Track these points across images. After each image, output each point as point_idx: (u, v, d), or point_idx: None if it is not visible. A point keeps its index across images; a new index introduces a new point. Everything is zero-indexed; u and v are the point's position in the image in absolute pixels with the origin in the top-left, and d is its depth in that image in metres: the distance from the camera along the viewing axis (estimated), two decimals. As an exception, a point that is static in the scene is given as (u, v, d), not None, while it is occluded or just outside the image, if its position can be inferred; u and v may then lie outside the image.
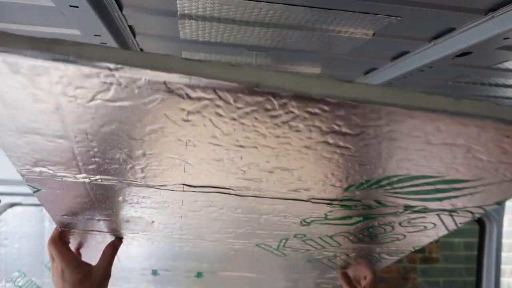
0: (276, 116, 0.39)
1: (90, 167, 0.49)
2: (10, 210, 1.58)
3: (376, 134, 0.42)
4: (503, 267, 1.83)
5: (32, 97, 0.37)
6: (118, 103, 0.38)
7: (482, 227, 1.82)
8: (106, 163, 0.48)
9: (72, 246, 0.78)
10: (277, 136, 0.43)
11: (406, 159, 0.48)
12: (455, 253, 2.69)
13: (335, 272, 0.96)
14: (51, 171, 0.50)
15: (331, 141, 0.43)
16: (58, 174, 0.51)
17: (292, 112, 0.39)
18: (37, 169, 0.50)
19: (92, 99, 0.38)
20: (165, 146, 0.45)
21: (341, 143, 0.44)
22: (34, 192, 0.56)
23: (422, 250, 3.23)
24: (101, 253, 0.74)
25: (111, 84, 0.35)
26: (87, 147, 0.45)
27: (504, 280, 2.59)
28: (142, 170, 0.50)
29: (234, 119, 0.40)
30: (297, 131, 0.42)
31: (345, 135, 0.42)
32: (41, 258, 1.58)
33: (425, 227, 0.69)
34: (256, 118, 0.40)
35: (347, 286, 0.93)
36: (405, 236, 0.73)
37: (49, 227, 1.62)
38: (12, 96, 0.37)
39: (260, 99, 0.37)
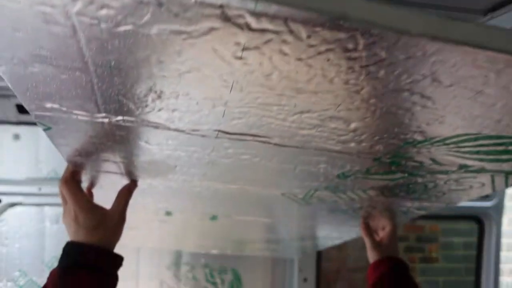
0: (355, 59, 0.31)
1: (112, 106, 0.41)
2: (10, 210, 1.57)
3: (474, 87, 0.34)
4: (502, 266, 1.83)
5: (42, 16, 0.28)
6: (155, 31, 0.29)
7: (481, 227, 1.79)
8: (131, 103, 0.40)
9: (84, 185, 0.72)
10: (347, 83, 0.35)
11: (488, 117, 0.40)
12: (455, 252, 2.69)
13: (355, 221, 0.93)
14: (64, 109, 0.43)
15: (414, 90, 0.35)
16: (73, 112, 0.43)
17: (377, 54, 0.30)
18: (48, 105, 0.42)
19: (121, 23, 0.29)
20: (205, 87, 0.37)
21: (426, 94, 0.36)
22: (44, 130, 0.49)
23: (421, 250, 3.29)
24: (114, 194, 0.69)
25: (148, 4, 0.26)
26: (110, 83, 0.37)
27: (503, 279, 2.61)
28: (173, 112, 0.42)
29: (300, 59, 0.32)
30: (376, 78, 0.33)
31: (434, 85, 0.34)
32: (42, 257, 1.59)
33: (471, 186, 0.63)
34: (328, 60, 0.31)
35: (366, 236, 0.90)
36: (444, 193, 0.67)
37: (50, 227, 1.61)
38: (17, 14, 0.28)
39: (342, 35, 0.28)
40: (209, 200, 0.80)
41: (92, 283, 0.60)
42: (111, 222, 0.66)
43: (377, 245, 0.89)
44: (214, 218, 0.95)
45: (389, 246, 0.89)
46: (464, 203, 1.74)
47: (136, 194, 0.71)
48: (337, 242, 1.32)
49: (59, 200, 0.66)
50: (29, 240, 1.57)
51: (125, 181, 0.69)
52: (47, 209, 1.56)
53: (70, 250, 0.63)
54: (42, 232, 1.58)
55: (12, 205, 1.56)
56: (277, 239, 1.26)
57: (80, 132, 0.49)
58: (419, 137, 0.45)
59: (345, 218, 0.91)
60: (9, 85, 0.38)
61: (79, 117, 0.44)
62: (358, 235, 1.02)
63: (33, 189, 1.52)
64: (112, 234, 0.66)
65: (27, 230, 1.57)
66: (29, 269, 1.58)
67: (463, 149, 0.48)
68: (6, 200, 1.54)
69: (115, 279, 0.65)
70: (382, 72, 0.33)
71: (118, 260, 0.66)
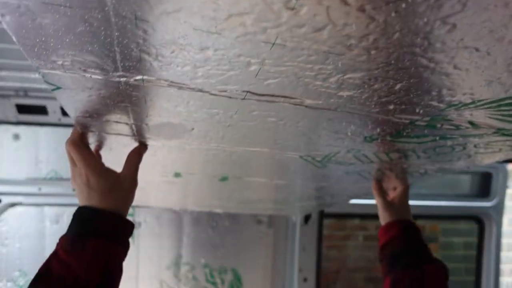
0: (429, 10, 0.26)
1: (131, 63, 0.37)
2: (10, 210, 1.56)
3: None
4: (502, 266, 1.84)
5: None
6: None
7: (481, 227, 1.78)
8: (154, 60, 0.36)
9: (91, 146, 0.68)
10: (409, 38, 0.30)
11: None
12: (455, 252, 2.68)
13: (367, 182, 0.91)
14: (77, 66, 0.38)
15: (481, 48, 0.31)
16: (87, 70, 0.38)
17: (457, 4, 0.26)
18: (58, 62, 0.37)
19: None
20: (243, 42, 0.32)
21: (492, 52, 0.32)
22: (52, 90, 0.44)
23: None
24: (123, 157, 0.66)
25: None
26: (132, 37, 0.32)
27: (503, 279, 2.62)
28: (200, 71, 0.38)
29: (363, 10, 0.27)
30: (446, 33, 0.29)
31: (505, 41, 0.30)
32: (42, 257, 1.53)
33: (500, 149, 0.60)
34: (396, 12, 0.27)
35: (378, 196, 0.89)
36: (470, 156, 0.65)
37: (50, 227, 1.59)
38: None
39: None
40: (222, 162, 0.77)
41: (105, 250, 0.58)
42: (124, 186, 0.62)
43: (388, 206, 0.88)
44: (224, 179, 0.93)
45: (401, 208, 0.88)
46: (464, 203, 1.75)
47: (145, 156, 0.67)
48: (343, 200, 1.32)
49: (59, 200, 0.62)
50: (29, 240, 1.58)
51: (135, 143, 0.65)
52: (47, 209, 1.57)
53: (82, 216, 0.59)
54: (42, 232, 1.59)
55: (12, 205, 1.55)
56: (285, 199, 1.25)
57: (92, 92, 0.44)
58: (467, 100, 0.41)
59: (358, 179, 0.89)
60: (14, 39, 0.33)
61: (93, 76, 0.40)
62: (367, 194, 1.01)
63: (33, 189, 1.53)
64: (125, 198, 0.63)
65: (27, 230, 1.58)
66: (29, 269, 1.59)
67: (507, 112, 0.45)
68: (6, 200, 1.54)
69: (127, 247, 0.63)
70: (455, 27, 0.28)
71: (130, 227, 0.63)
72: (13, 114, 1.41)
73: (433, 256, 0.80)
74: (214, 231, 1.70)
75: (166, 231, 1.64)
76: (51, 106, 1.38)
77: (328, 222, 3.17)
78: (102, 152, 0.70)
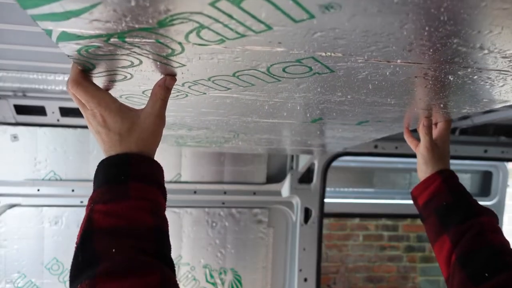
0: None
1: None
2: (9, 211, 1.55)
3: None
4: None
5: None
6: None
7: None
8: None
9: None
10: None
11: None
12: None
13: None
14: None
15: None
16: None
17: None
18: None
19: None
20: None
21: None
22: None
23: (422, 249, 3.25)
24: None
25: None
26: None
27: None
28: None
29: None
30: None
31: None
32: (41, 259, 1.59)
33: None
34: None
35: (410, 138, 0.87)
36: None
37: (48, 228, 1.60)
38: None
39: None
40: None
41: (149, 194, 0.51)
42: (146, 124, 0.54)
43: (423, 158, 0.81)
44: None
45: (437, 157, 0.81)
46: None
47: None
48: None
49: (57, 201, 0.59)
50: (28, 242, 1.58)
51: (158, 77, 0.55)
52: (45, 210, 1.56)
53: (111, 164, 0.52)
54: (41, 233, 1.58)
55: (11, 206, 1.55)
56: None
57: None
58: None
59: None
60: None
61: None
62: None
63: (31, 190, 1.52)
64: (149, 139, 0.54)
65: (25, 231, 1.57)
66: (28, 270, 1.59)
67: None
68: (4, 201, 1.54)
69: (165, 192, 0.55)
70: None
71: (161, 170, 0.56)
72: (11, 115, 1.41)
73: (480, 204, 0.74)
74: (214, 231, 1.70)
75: (165, 231, 1.65)
76: (50, 107, 1.37)
77: (328, 222, 3.16)
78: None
